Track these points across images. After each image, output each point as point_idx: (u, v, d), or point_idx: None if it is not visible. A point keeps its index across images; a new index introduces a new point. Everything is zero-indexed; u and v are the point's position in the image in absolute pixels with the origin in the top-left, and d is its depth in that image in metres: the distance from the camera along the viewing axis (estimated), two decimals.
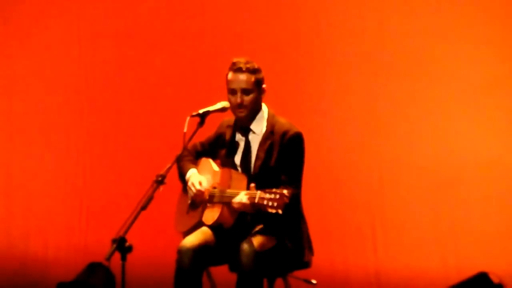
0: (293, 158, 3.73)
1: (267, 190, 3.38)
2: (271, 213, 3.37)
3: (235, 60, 3.80)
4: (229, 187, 3.68)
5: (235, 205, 3.57)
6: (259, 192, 3.40)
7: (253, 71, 3.77)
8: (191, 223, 3.83)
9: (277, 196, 3.34)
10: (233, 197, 3.59)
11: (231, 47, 5.57)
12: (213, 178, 3.81)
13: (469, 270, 4.42)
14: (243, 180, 3.69)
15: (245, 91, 3.75)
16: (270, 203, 3.34)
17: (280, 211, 3.33)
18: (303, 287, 3.97)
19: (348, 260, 5.33)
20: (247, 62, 3.77)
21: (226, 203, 3.65)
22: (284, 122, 3.80)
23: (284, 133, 3.74)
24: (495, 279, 4.22)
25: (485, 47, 5.15)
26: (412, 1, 5.33)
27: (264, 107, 3.85)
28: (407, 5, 5.32)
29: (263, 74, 3.81)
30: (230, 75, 3.79)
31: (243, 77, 3.75)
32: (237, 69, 3.76)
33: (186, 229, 3.82)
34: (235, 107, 3.77)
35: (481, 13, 5.17)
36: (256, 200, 3.38)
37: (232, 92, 3.77)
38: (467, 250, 5.09)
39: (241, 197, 3.54)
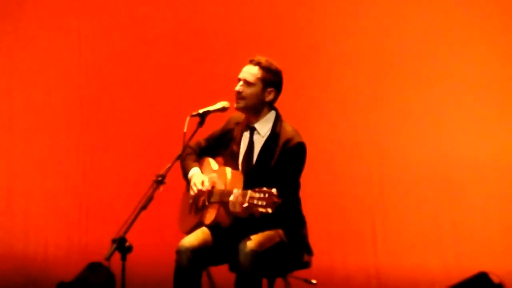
0: (291, 166, 3.71)
1: (256, 189, 3.36)
2: (262, 215, 3.37)
3: (256, 55, 3.81)
4: (225, 186, 3.67)
5: (230, 206, 3.53)
6: (249, 191, 3.37)
7: (265, 68, 3.76)
8: (192, 223, 3.82)
9: (266, 195, 3.33)
10: (227, 196, 3.55)
11: (231, 47, 5.57)
12: (212, 177, 3.80)
13: (469, 270, 4.42)
14: (240, 178, 3.68)
15: (247, 83, 3.74)
16: (260, 202, 3.33)
17: (270, 210, 3.32)
18: (303, 287, 3.97)
19: (348, 260, 5.33)
20: (264, 59, 3.77)
21: (222, 202, 3.64)
22: (289, 129, 3.77)
23: (287, 141, 3.72)
24: (495, 279, 4.23)
25: (485, 47, 5.16)
26: (413, 2, 5.33)
27: (274, 111, 3.83)
28: (408, 6, 5.32)
29: (279, 79, 3.79)
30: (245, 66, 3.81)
31: (250, 69, 3.76)
32: (250, 61, 3.79)
33: (188, 229, 3.81)
34: (235, 95, 3.77)
35: (481, 13, 5.17)
36: (247, 200, 3.36)
37: (238, 81, 3.78)
38: (467, 250, 5.09)
39: (236, 196, 3.49)
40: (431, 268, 5.13)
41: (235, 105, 3.78)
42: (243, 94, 3.74)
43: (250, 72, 3.75)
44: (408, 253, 5.21)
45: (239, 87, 3.75)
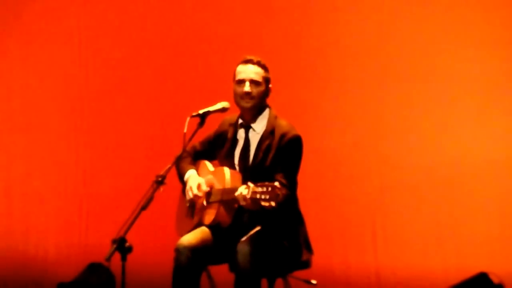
0: (289, 160, 3.71)
1: (258, 184, 3.36)
2: (267, 210, 3.35)
3: (246, 55, 3.82)
4: (224, 186, 3.66)
5: (240, 201, 3.48)
6: (252, 186, 3.37)
7: (264, 67, 3.80)
8: (190, 226, 3.81)
9: (269, 189, 3.33)
10: (230, 193, 3.55)
11: (231, 47, 5.57)
12: (209, 179, 3.80)
13: (469, 270, 4.41)
14: (238, 177, 3.68)
15: (255, 83, 3.75)
16: (263, 196, 3.32)
17: (273, 204, 3.31)
18: (303, 287, 3.97)
19: (348, 260, 5.33)
20: (258, 57, 3.80)
21: (223, 201, 3.63)
22: (284, 124, 3.78)
23: (283, 135, 3.72)
24: (495, 279, 4.22)
25: (485, 47, 5.15)
26: (413, 2, 5.33)
27: (268, 107, 3.84)
28: (408, 6, 5.32)
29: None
30: (240, 67, 3.80)
31: (254, 68, 3.77)
32: (248, 61, 3.79)
33: (185, 233, 3.79)
34: (242, 96, 3.75)
35: (481, 13, 5.16)
36: (250, 194, 3.36)
37: (240, 82, 3.77)
38: (467, 250, 5.09)
39: (242, 191, 3.45)
40: (431, 268, 5.13)
41: (244, 104, 3.76)
42: (253, 94, 3.75)
43: (255, 72, 3.76)
44: (408, 253, 5.21)
45: (248, 87, 3.74)
